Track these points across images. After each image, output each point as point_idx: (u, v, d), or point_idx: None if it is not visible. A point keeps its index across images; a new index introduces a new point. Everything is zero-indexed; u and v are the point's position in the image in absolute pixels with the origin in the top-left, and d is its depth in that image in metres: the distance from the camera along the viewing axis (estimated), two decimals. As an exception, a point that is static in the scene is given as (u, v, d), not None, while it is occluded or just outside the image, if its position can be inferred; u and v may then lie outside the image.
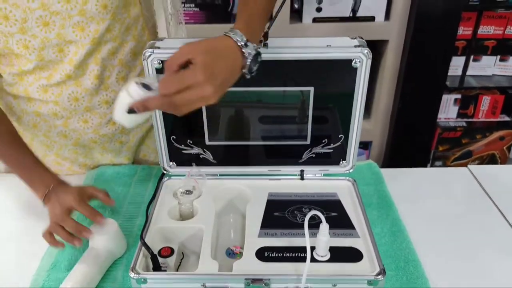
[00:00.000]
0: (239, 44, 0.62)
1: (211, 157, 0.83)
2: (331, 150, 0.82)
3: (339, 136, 0.81)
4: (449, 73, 1.68)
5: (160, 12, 0.98)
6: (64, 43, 0.80)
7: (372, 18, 1.58)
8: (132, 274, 0.64)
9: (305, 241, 0.63)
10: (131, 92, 0.59)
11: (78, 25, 0.79)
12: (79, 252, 0.77)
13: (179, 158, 0.83)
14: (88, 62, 0.84)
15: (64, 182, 0.82)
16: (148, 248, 0.68)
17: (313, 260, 0.65)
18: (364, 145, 1.82)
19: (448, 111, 1.82)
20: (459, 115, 1.83)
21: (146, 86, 0.60)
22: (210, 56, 0.59)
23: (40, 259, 0.77)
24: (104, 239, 0.73)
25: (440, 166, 1.86)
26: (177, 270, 0.71)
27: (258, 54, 0.64)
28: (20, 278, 0.73)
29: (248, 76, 0.65)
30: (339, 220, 0.75)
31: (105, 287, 0.71)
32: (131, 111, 0.59)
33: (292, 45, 0.73)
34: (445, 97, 1.76)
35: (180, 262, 0.73)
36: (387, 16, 1.59)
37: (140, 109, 0.59)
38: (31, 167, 0.82)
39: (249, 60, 0.63)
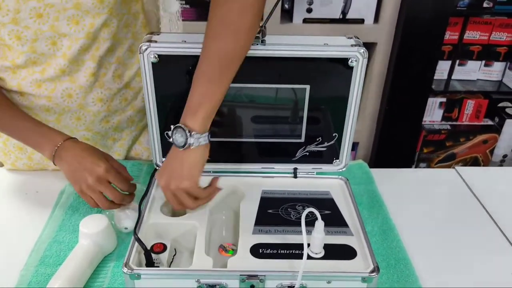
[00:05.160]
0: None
1: (205, 154, 0.83)
2: (325, 149, 0.83)
3: (333, 134, 0.81)
4: (435, 77, 1.70)
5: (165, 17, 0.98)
6: (57, 36, 0.78)
7: (361, 21, 1.59)
8: (125, 270, 0.63)
9: (299, 238, 0.64)
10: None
11: (72, 18, 0.78)
12: (67, 247, 0.76)
13: (172, 154, 0.82)
14: (85, 58, 0.82)
15: (73, 138, 0.80)
16: (141, 243, 0.67)
17: (308, 257, 0.65)
18: (351, 146, 1.83)
19: (433, 114, 1.85)
20: (444, 118, 1.86)
21: None
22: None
23: (28, 255, 0.75)
24: (95, 234, 0.72)
25: (424, 167, 1.89)
26: (169, 266, 0.70)
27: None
28: (8, 274, 0.72)
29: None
30: (333, 218, 0.75)
31: (95, 283, 0.70)
32: None
33: (289, 42, 0.73)
34: (430, 100, 1.79)
35: (173, 259, 0.72)
36: (376, 19, 1.60)
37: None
38: (33, 128, 0.79)
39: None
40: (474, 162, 1.91)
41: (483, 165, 1.90)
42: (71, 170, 0.75)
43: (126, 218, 0.77)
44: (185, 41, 0.71)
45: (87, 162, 0.74)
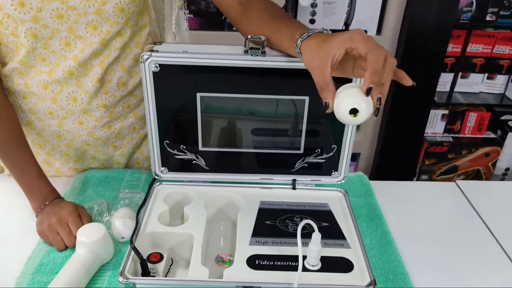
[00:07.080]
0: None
1: (204, 164, 0.83)
2: (324, 160, 0.83)
3: (332, 146, 0.81)
4: (438, 89, 1.71)
5: (169, 29, 0.99)
6: (73, 37, 0.80)
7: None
8: (121, 279, 0.63)
9: (296, 250, 0.63)
10: None
11: (91, 23, 0.79)
12: (64, 255, 0.76)
13: (172, 164, 0.83)
14: (94, 64, 0.84)
15: (61, 197, 0.85)
16: (138, 253, 0.67)
17: (304, 269, 0.65)
18: (353, 157, 1.83)
19: (435, 126, 1.85)
20: (446, 130, 1.86)
21: None
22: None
23: (25, 262, 0.75)
24: (92, 243, 0.72)
25: (426, 179, 1.88)
26: (165, 276, 0.70)
27: None
28: (4, 281, 0.72)
29: None
30: (330, 230, 0.75)
31: (91, 292, 0.70)
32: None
33: (289, 54, 0.73)
34: (432, 112, 1.79)
35: (169, 268, 0.72)
36: (379, 30, 1.61)
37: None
38: (33, 176, 0.84)
39: None
40: (476, 175, 1.90)
41: (485, 178, 1.89)
42: (42, 214, 0.80)
43: (123, 227, 0.77)
44: (186, 51, 0.72)
45: (56, 207, 0.80)
